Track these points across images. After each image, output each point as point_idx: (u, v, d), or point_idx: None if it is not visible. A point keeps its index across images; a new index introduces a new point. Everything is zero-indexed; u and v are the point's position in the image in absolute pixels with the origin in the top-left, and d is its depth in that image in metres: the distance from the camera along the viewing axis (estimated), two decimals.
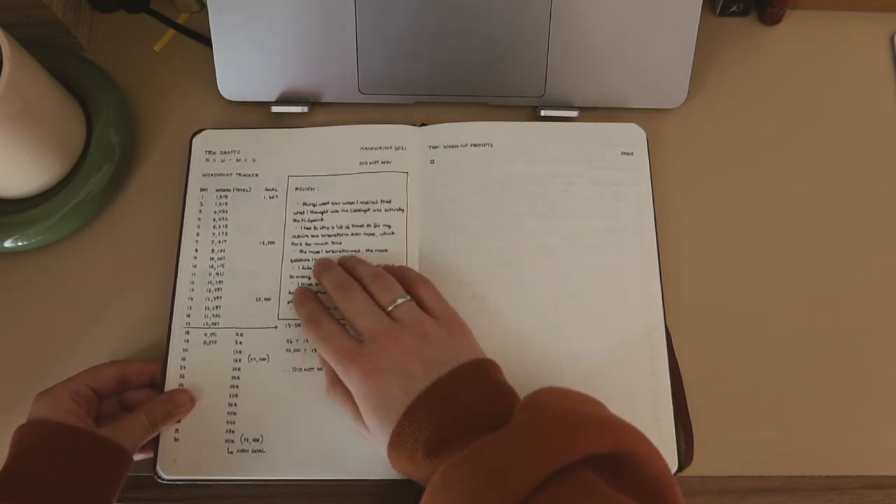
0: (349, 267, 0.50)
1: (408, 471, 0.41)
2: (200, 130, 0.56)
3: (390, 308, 0.46)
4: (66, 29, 0.56)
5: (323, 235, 0.52)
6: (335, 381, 0.46)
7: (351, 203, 0.53)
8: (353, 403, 0.45)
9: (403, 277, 0.48)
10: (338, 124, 0.55)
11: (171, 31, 0.60)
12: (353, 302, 0.46)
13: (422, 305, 0.47)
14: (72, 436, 0.42)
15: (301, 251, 0.52)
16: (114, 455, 0.43)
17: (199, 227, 0.53)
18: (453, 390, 0.42)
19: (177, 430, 0.48)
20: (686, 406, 0.49)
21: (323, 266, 0.50)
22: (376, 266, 0.50)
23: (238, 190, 0.54)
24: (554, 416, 0.38)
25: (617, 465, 0.36)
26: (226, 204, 0.53)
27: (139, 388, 0.49)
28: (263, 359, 0.50)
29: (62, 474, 0.41)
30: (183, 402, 0.48)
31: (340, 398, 0.46)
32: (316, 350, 0.49)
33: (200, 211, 0.53)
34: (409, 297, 0.46)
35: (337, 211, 0.53)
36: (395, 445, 0.41)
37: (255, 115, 0.57)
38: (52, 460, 0.41)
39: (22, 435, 0.43)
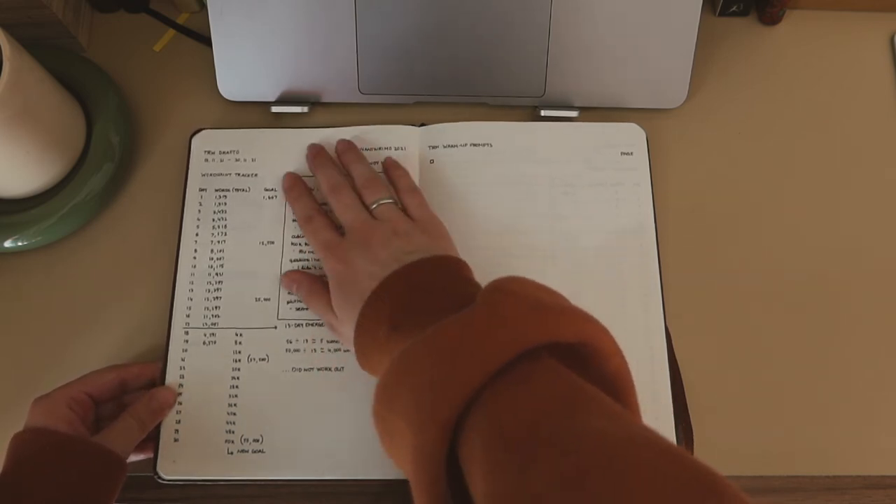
0: (346, 163, 0.52)
1: (370, 356, 0.42)
2: (199, 130, 0.56)
3: (373, 206, 0.49)
4: (66, 29, 0.56)
5: None
6: (311, 291, 0.49)
7: None
8: (326, 302, 0.47)
9: (395, 183, 0.52)
10: (338, 124, 0.55)
11: (171, 31, 0.60)
12: (340, 200, 0.49)
13: (406, 211, 0.49)
14: (66, 445, 0.42)
15: (301, 251, 0.52)
16: (108, 462, 0.43)
17: (198, 226, 0.53)
18: (420, 275, 0.43)
19: (177, 431, 0.48)
20: (686, 406, 0.49)
21: (319, 159, 0.53)
22: (370, 167, 0.52)
23: (237, 190, 0.54)
24: (520, 299, 0.37)
25: (579, 356, 0.36)
26: (225, 204, 0.53)
27: (139, 391, 0.49)
28: (263, 359, 0.50)
29: (58, 484, 0.41)
30: (166, 398, 0.48)
31: (315, 302, 0.49)
32: (315, 350, 0.50)
33: (200, 211, 0.53)
34: (393, 200, 0.49)
35: None
36: (361, 328, 0.43)
37: (255, 115, 0.57)
38: (47, 470, 0.41)
39: (18, 444, 0.43)
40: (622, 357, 0.37)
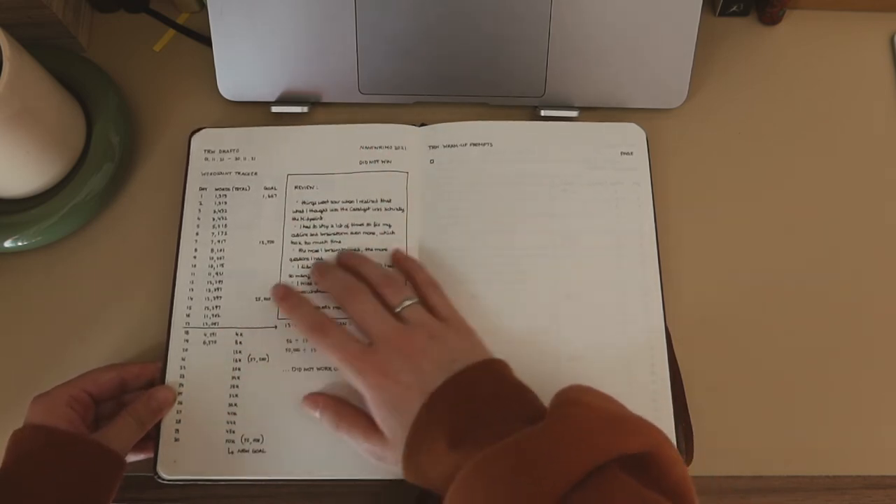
0: (353, 266, 0.50)
1: (426, 472, 0.41)
2: (199, 129, 0.56)
3: (398, 309, 0.46)
4: (66, 29, 0.56)
5: (322, 234, 0.52)
6: (340, 415, 0.46)
7: (350, 202, 0.53)
8: (363, 425, 0.44)
9: (412, 278, 0.49)
10: (338, 124, 0.55)
11: (171, 31, 0.60)
12: (361, 304, 0.46)
13: (429, 308, 0.47)
14: (65, 442, 0.42)
15: (300, 250, 0.52)
16: (106, 460, 0.43)
17: (198, 226, 0.53)
18: (470, 385, 0.42)
19: (177, 431, 0.48)
20: (686, 406, 0.49)
21: (322, 270, 0.50)
22: (380, 265, 0.50)
23: (237, 189, 0.54)
24: (593, 412, 0.38)
25: (644, 465, 0.36)
26: (225, 203, 0.53)
27: (139, 391, 0.49)
28: (263, 359, 0.50)
29: (56, 481, 0.41)
30: (165, 398, 0.48)
31: (347, 424, 0.46)
32: (315, 350, 0.49)
33: (199, 210, 0.53)
34: (416, 300, 0.47)
35: (336, 210, 0.53)
36: (413, 444, 0.41)
37: (255, 115, 0.57)
38: (46, 467, 0.41)
39: (17, 440, 0.43)
40: (683, 465, 0.37)
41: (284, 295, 0.50)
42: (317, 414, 0.47)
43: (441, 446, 0.39)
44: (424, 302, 0.48)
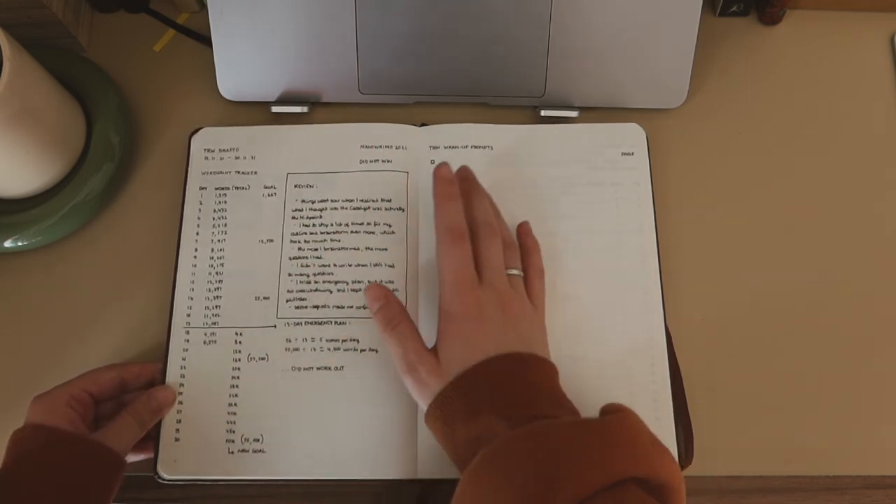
0: (487, 214, 0.47)
1: (453, 420, 0.41)
2: (199, 129, 0.56)
3: (508, 272, 0.46)
4: (66, 29, 0.56)
5: (322, 233, 0.52)
6: (397, 317, 0.45)
7: (350, 201, 0.53)
8: (418, 338, 0.44)
9: (527, 257, 0.49)
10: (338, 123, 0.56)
11: (171, 31, 0.60)
12: (493, 246, 0.46)
13: (528, 290, 0.48)
14: (65, 442, 0.42)
15: (300, 249, 0.52)
16: (106, 460, 0.43)
17: (198, 226, 0.53)
18: (533, 369, 0.42)
19: (177, 431, 0.48)
20: (686, 406, 0.49)
21: (471, 182, 0.49)
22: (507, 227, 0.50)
23: (237, 188, 0.54)
24: (644, 426, 0.39)
25: (659, 494, 0.36)
26: (225, 202, 0.53)
27: (139, 391, 0.49)
28: (263, 358, 0.50)
29: (56, 481, 0.41)
30: (165, 397, 0.48)
31: (402, 330, 0.44)
32: (315, 350, 0.50)
33: (200, 210, 0.53)
34: (522, 275, 0.48)
35: (336, 209, 0.53)
36: (460, 385, 0.41)
37: (255, 115, 0.57)
38: (46, 467, 0.41)
39: (17, 440, 0.43)
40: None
41: (444, 191, 0.47)
42: (376, 306, 0.45)
43: (485, 403, 0.40)
44: (526, 281, 0.48)
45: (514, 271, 0.47)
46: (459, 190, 0.47)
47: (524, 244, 0.50)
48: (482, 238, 0.46)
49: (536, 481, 0.35)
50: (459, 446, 0.40)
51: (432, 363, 0.43)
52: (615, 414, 0.39)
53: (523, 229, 0.51)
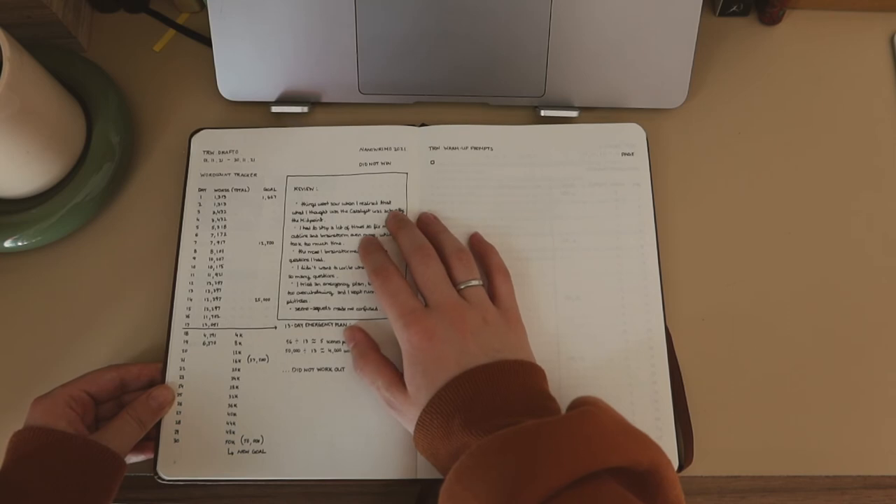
0: (432, 232, 0.50)
1: (436, 445, 0.41)
2: (199, 130, 0.56)
3: (462, 287, 0.46)
4: (66, 29, 0.56)
5: (322, 235, 0.52)
6: (365, 355, 0.47)
7: (350, 204, 0.53)
8: (387, 372, 0.46)
9: (485, 260, 0.50)
10: (338, 124, 0.55)
11: (171, 31, 0.60)
12: (429, 269, 0.46)
13: (492, 293, 0.48)
14: (65, 443, 0.42)
15: (300, 251, 0.52)
16: (106, 461, 0.43)
17: (197, 227, 0.53)
18: (505, 377, 0.42)
19: (177, 432, 0.48)
20: (686, 406, 0.49)
21: (400, 222, 0.51)
22: (458, 239, 0.50)
23: (236, 190, 0.54)
24: (611, 417, 0.38)
25: (644, 482, 0.36)
26: (224, 204, 0.53)
27: (139, 391, 0.49)
28: (263, 359, 0.50)
29: (56, 482, 0.41)
30: (165, 397, 0.48)
31: (371, 369, 0.46)
32: (315, 350, 0.50)
33: (199, 211, 0.53)
34: (481, 283, 0.47)
35: (336, 211, 0.53)
36: (431, 410, 0.42)
37: (255, 115, 0.57)
38: (46, 468, 0.41)
39: (17, 442, 0.43)
40: (681, 489, 0.37)
41: (365, 243, 0.51)
42: (350, 346, 0.48)
43: (458, 420, 0.40)
44: (490, 286, 0.48)
45: (473, 282, 0.47)
46: (390, 228, 0.51)
47: (477, 251, 0.50)
48: (415, 264, 0.47)
49: (499, 490, 0.35)
50: (445, 467, 0.40)
51: (404, 395, 0.44)
52: (577, 409, 0.39)
53: (474, 239, 0.51)
